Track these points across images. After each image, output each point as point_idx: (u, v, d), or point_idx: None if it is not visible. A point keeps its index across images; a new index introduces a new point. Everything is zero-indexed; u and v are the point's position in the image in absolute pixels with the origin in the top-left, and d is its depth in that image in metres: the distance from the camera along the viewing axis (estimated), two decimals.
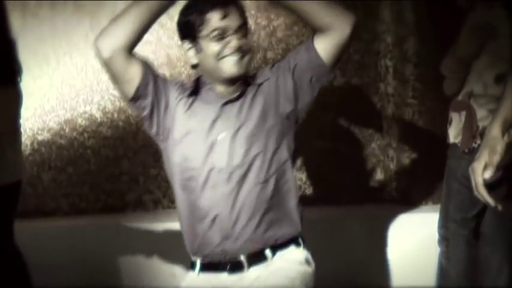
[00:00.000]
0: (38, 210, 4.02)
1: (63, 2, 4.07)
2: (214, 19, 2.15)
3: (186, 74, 4.01)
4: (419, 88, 4.11)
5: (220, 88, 2.23)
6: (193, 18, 2.19)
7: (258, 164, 2.17)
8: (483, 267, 3.19)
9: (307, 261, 2.26)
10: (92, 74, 4.00)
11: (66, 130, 4.10)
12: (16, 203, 2.87)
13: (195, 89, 2.25)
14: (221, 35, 2.16)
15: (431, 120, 4.08)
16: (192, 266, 2.26)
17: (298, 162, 4.22)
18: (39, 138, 4.06)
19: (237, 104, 2.21)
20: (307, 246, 2.32)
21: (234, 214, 2.16)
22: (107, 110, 4.09)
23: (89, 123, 4.10)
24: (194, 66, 2.26)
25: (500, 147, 2.10)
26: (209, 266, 2.22)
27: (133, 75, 2.16)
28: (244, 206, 2.16)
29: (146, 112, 2.21)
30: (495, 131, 2.11)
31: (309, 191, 4.27)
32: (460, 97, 3.13)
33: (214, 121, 2.18)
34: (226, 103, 2.21)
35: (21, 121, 2.93)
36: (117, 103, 4.06)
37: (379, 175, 4.30)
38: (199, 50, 2.21)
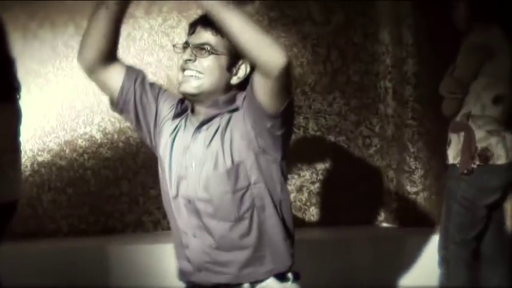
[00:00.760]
0: (37, 231, 4.01)
1: (64, 23, 4.09)
2: (187, 35, 2.14)
3: None
4: (418, 109, 4.12)
5: (198, 109, 2.12)
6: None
7: (226, 201, 2.03)
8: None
9: None
10: (92, 95, 4.01)
11: (66, 151, 4.10)
12: (10, 222, 2.86)
13: (180, 112, 2.15)
14: (184, 49, 2.10)
15: (430, 141, 4.08)
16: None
17: (298, 183, 4.22)
18: (39, 159, 4.06)
19: (209, 131, 2.07)
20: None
21: (204, 248, 2.06)
22: (107, 131, 4.10)
23: (89, 144, 4.11)
24: None
25: None
26: None
27: (114, 85, 2.12)
28: (215, 242, 2.04)
29: (133, 124, 2.18)
30: None
31: (309, 212, 4.26)
32: (458, 118, 3.13)
33: (187, 149, 2.08)
34: (197, 128, 2.09)
35: (21, 141, 2.93)
36: (118, 124, 4.07)
37: (379, 196, 4.29)
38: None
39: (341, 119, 4.27)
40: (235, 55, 2.08)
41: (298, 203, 4.22)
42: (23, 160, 3.12)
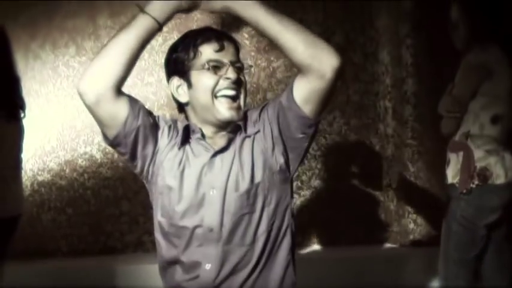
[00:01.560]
0: (37, 251, 4.01)
1: (65, 44, 4.12)
2: (209, 51, 2.01)
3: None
4: (418, 129, 4.13)
5: (209, 133, 2.06)
6: (185, 52, 2.05)
7: (244, 224, 1.98)
8: None
9: None
10: None
11: (67, 171, 4.11)
12: (13, 237, 2.88)
13: (185, 138, 2.06)
14: (216, 67, 2.00)
15: (430, 160, 4.09)
16: None
17: (298, 202, 4.22)
18: (39, 179, 4.07)
19: (227, 156, 2.02)
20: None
21: (217, 274, 1.98)
22: (107, 150, 4.11)
23: (89, 164, 4.12)
24: (182, 107, 2.10)
25: None
26: None
27: (119, 118, 1.97)
28: (228, 267, 1.98)
29: (126, 156, 2.05)
30: None
31: (309, 231, 4.26)
32: (457, 137, 3.14)
33: (204, 175, 2.00)
34: (215, 154, 2.02)
35: (23, 157, 2.98)
36: None
37: (379, 215, 4.29)
38: (190, 86, 2.04)
39: (341, 139, 4.27)
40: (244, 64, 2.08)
41: (299, 222, 4.21)
42: (23, 180, 3.13)
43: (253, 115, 2.07)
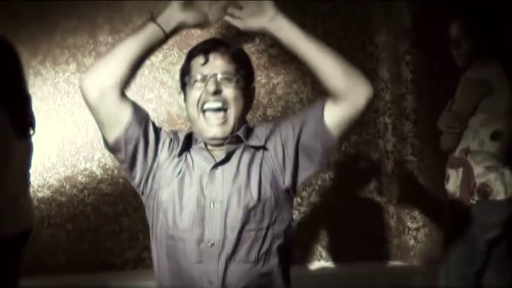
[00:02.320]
0: (37, 267, 3.99)
1: (66, 61, 4.13)
2: (197, 65, 2.02)
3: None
4: (418, 145, 4.14)
5: (211, 144, 2.03)
6: (183, 67, 2.08)
7: (249, 241, 1.95)
8: None
9: None
10: (92, 131, 4.03)
11: (67, 187, 4.11)
12: (24, 251, 2.90)
13: (186, 147, 2.05)
14: (202, 81, 2.00)
15: (431, 176, 4.09)
16: None
17: (298, 218, 4.21)
18: (39, 195, 4.07)
19: (228, 168, 1.99)
20: None
21: None
22: (107, 166, 4.11)
23: (89, 180, 4.11)
24: None
25: None
26: None
27: (120, 122, 1.97)
28: (230, 285, 1.94)
29: (126, 164, 2.04)
30: None
31: (309, 248, 4.25)
32: (457, 153, 3.14)
33: (204, 187, 1.98)
34: (216, 166, 1.99)
35: (30, 172, 3.04)
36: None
37: (379, 232, 4.28)
38: (185, 100, 2.07)
39: (341, 155, 4.27)
40: (247, 80, 2.05)
41: (299, 238, 4.20)
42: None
43: (263, 130, 2.06)
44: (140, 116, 2.00)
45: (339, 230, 4.22)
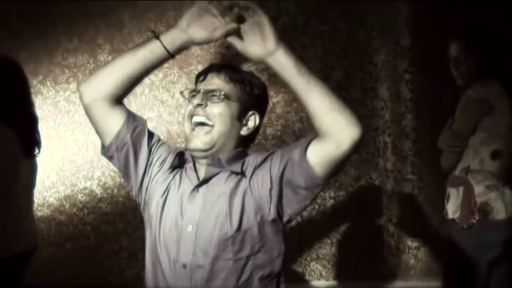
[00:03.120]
0: (36, 286, 3.97)
1: (66, 79, 4.14)
2: (196, 82, 2.08)
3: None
4: (418, 164, 4.13)
5: (198, 165, 2.04)
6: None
7: (226, 270, 1.93)
8: None
9: None
10: (92, 150, 4.03)
11: (66, 206, 4.10)
12: (28, 270, 2.91)
13: (178, 166, 2.07)
14: (193, 96, 2.04)
15: (431, 195, 4.09)
16: None
17: (298, 237, 4.20)
18: (39, 214, 4.06)
19: (210, 192, 1.98)
20: None
21: None
22: (107, 185, 4.11)
23: (89, 199, 4.11)
24: None
25: None
26: None
27: (112, 129, 2.02)
28: None
29: (121, 171, 2.09)
30: None
31: (309, 267, 4.23)
32: (457, 172, 3.14)
33: (184, 207, 1.98)
34: (196, 187, 2.00)
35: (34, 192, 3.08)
36: (118, 179, 4.08)
37: (379, 251, 4.27)
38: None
39: (341, 174, 4.27)
40: (246, 104, 2.05)
41: (298, 257, 4.19)
42: None
43: (255, 158, 2.03)
44: (133, 124, 2.05)
45: (339, 248, 4.21)
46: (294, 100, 4.22)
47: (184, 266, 1.94)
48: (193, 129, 2.01)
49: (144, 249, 4.14)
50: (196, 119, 2.00)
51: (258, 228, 1.95)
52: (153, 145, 2.09)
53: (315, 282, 4.22)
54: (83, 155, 4.10)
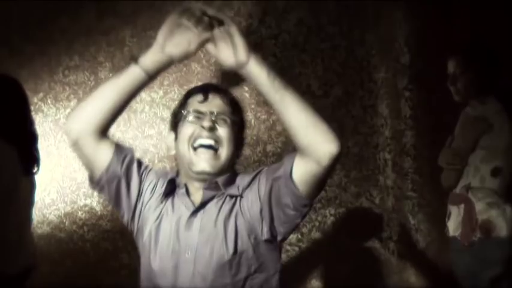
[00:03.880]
0: None
1: (67, 97, 4.15)
2: (194, 103, 2.04)
3: None
4: (418, 181, 4.13)
5: (193, 189, 2.03)
6: (178, 106, 2.09)
7: None
8: None
9: None
10: None
11: (66, 223, 4.10)
12: None
13: (169, 191, 2.05)
14: (198, 117, 2.01)
15: (431, 213, 4.08)
16: None
17: (298, 255, 4.19)
18: (39, 231, 4.05)
19: (209, 218, 1.98)
20: None
21: None
22: (107, 203, 4.10)
23: (89, 216, 4.11)
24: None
25: None
26: None
27: (101, 162, 2.00)
28: None
29: (112, 202, 2.08)
30: None
31: (309, 284, 4.22)
32: (458, 190, 3.14)
33: (180, 234, 1.98)
34: (194, 213, 1.99)
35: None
36: None
37: (380, 268, 4.26)
38: (176, 137, 2.07)
39: (341, 191, 4.27)
40: (240, 127, 2.06)
41: (299, 274, 4.18)
42: None
43: (244, 179, 2.03)
44: (122, 155, 2.02)
45: (340, 266, 4.20)
46: None
47: None
48: (194, 151, 2.00)
49: None
50: (203, 141, 1.99)
51: (252, 250, 1.95)
52: (142, 173, 2.08)
53: None
54: (83, 173, 4.07)
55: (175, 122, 2.08)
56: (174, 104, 4.19)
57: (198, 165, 1.98)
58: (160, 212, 2.02)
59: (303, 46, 4.21)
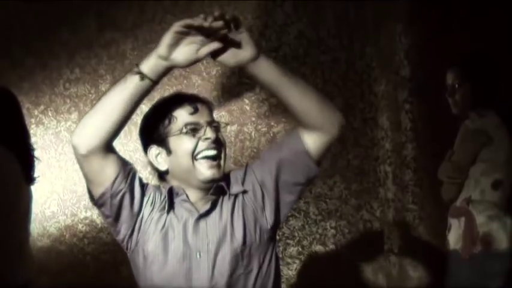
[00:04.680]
0: None
1: (68, 109, 4.15)
2: (184, 115, 2.02)
3: None
4: (418, 194, 4.13)
5: (193, 197, 2.04)
6: (160, 120, 2.06)
7: (240, 285, 1.99)
8: None
9: None
10: None
11: (66, 236, 4.09)
12: None
13: (169, 202, 2.04)
14: (194, 129, 2.00)
15: (432, 225, 4.08)
16: None
17: (299, 267, 4.19)
18: (39, 244, 4.05)
19: (212, 218, 2.02)
20: None
21: None
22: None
23: (89, 229, 4.10)
24: (162, 176, 2.10)
25: None
26: None
27: (108, 176, 1.96)
28: None
29: (110, 219, 2.04)
30: None
31: None
32: (458, 203, 3.14)
33: (189, 239, 2.00)
34: (199, 218, 2.02)
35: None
36: None
37: (381, 281, 4.25)
38: (169, 152, 2.03)
39: (342, 203, 4.26)
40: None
41: (300, 287, 4.18)
42: None
43: (237, 175, 2.09)
44: (127, 170, 2.00)
45: (340, 279, 4.19)
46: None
47: None
48: (198, 162, 2.01)
49: None
50: (209, 153, 2.01)
51: (259, 239, 2.03)
52: (143, 186, 2.07)
53: None
54: (83, 185, 4.01)
55: (162, 137, 2.05)
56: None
57: (205, 174, 2.00)
58: (165, 221, 2.03)
59: (303, 59, 4.22)
